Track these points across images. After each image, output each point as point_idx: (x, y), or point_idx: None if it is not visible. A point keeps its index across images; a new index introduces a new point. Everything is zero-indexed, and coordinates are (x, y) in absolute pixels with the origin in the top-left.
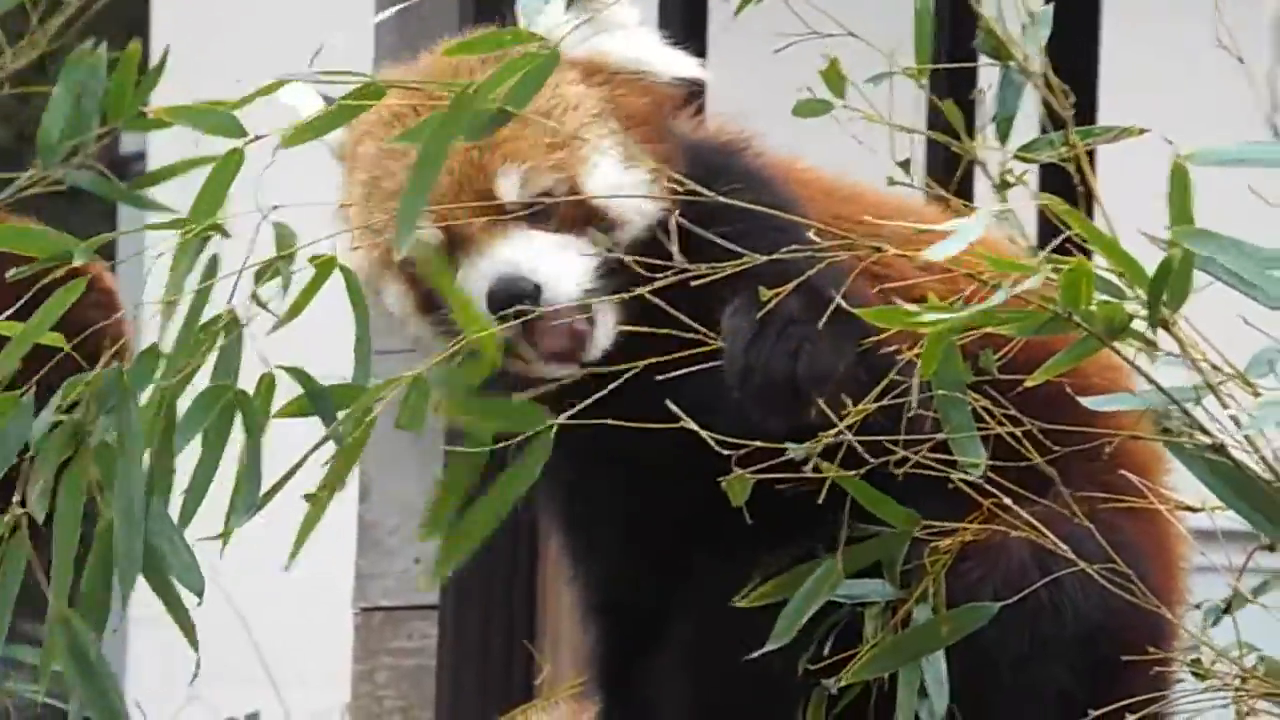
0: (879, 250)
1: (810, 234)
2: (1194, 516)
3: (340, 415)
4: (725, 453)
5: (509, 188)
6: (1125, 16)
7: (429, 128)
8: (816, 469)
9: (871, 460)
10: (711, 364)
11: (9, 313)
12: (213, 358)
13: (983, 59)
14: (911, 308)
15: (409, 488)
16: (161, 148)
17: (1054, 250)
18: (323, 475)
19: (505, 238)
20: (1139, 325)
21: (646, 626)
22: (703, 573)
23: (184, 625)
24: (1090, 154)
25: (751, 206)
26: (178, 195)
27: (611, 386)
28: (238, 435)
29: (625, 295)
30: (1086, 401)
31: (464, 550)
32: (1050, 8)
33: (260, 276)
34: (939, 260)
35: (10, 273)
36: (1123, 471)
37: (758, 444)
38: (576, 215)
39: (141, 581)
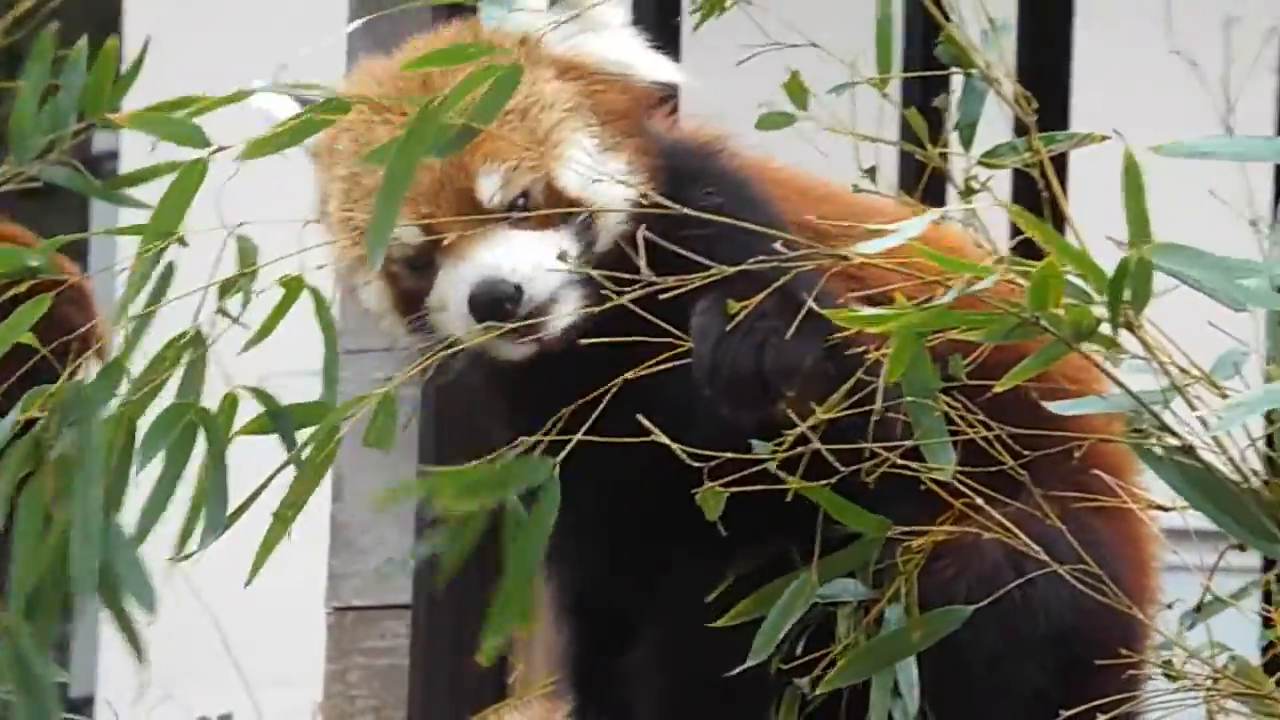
0: (843, 258)
1: (785, 237)
2: (1166, 516)
3: (306, 432)
4: (696, 465)
5: (490, 187)
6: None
7: (395, 148)
8: (787, 471)
9: (841, 469)
10: (685, 361)
11: None
12: (179, 373)
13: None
14: (869, 311)
15: (382, 487)
16: (134, 147)
17: (1025, 255)
18: (286, 493)
19: (485, 240)
20: (1107, 329)
21: (619, 626)
22: (676, 573)
23: (133, 642)
24: (1062, 158)
25: (723, 219)
26: (154, 194)
27: (589, 394)
28: (200, 449)
29: (604, 296)
30: (1054, 406)
31: (512, 625)
32: (1013, 16)
33: (224, 292)
34: (882, 258)
35: None
36: (1095, 471)
37: (729, 455)
38: (555, 213)
39: None
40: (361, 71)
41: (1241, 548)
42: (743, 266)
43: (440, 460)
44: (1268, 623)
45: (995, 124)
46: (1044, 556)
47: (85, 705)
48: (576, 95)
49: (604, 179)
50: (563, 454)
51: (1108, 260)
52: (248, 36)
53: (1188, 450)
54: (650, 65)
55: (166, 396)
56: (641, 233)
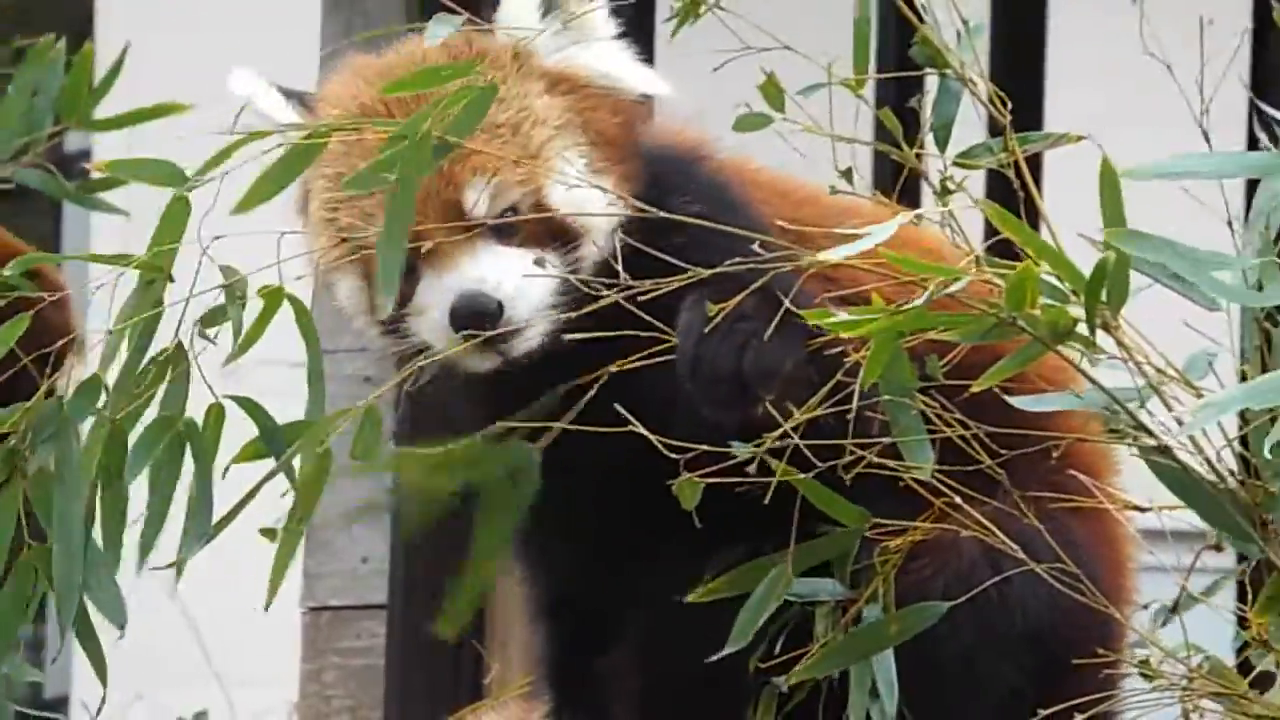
0: (820, 261)
1: (766, 239)
2: (1142, 516)
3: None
4: (674, 457)
5: (477, 200)
6: (1074, 14)
7: (391, 163)
8: (767, 468)
9: (819, 465)
10: (668, 359)
11: None
12: (161, 388)
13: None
14: (847, 315)
15: (357, 488)
16: (108, 149)
17: (1001, 255)
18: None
19: (471, 252)
20: (1084, 329)
21: (596, 626)
22: (654, 571)
23: (95, 659)
24: (1036, 157)
25: (706, 222)
26: (123, 195)
27: (574, 395)
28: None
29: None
30: (1021, 401)
31: (473, 604)
32: (985, 19)
33: (208, 324)
34: (860, 259)
35: None
36: (1072, 472)
37: (705, 449)
38: (541, 230)
39: None
40: (348, 70)
41: (1218, 547)
42: (723, 268)
43: None
44: (1242, 623)
45: (970, 124)
46: (1022, 556)
47: (61, 705)
48: (567, 111)
49: (592, 199)
50: (542, 441)
51: (1083, 260)
52: (220, 37)
53: (1164, 450)
54: (638, 78)
55: (150, 409)
56: (619, 237)
